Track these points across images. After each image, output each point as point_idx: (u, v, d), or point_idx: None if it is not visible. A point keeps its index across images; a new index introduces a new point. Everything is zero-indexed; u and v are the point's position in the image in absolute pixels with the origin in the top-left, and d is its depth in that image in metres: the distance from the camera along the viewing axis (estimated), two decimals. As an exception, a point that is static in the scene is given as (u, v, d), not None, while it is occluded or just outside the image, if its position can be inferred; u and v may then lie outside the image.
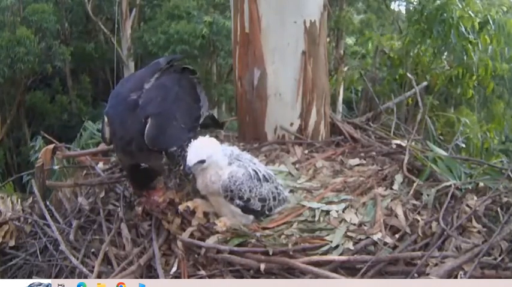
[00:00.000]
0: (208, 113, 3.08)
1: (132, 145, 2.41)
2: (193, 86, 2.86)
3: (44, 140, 5.62)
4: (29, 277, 2.72)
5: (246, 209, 2.41)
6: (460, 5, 5.77)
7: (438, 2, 5.84)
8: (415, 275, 2.07)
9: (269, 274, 2.19)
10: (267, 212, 2.49)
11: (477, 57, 6.01)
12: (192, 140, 2.43)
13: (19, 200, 3.29)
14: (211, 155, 2.30)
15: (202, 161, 2.28)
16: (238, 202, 2.38)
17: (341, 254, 2.24)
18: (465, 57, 5.89)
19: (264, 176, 2.45)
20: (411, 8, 6.60)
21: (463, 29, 5.69)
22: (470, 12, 5.77)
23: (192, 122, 2.73)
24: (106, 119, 2.52)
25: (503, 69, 6.33)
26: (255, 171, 2.42)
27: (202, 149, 2.29)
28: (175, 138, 2.53)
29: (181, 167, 2.63)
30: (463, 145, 5.06)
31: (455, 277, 2.05)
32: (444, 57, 6.35)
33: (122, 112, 2.48)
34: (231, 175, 2.35)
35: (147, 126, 2.40)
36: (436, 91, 6.47)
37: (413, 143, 3.27)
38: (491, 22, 5.92)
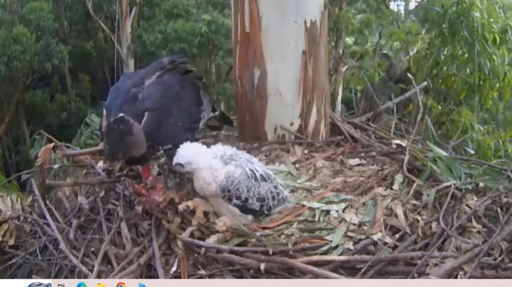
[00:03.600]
0: (216, 112, 3.09)
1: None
2: (197, 90, 2.87)
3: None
4: (29, 276, 2.72)
5: (244, 209, 2.40)
6: (483, 15, 5.77)
7: (462, 5, 5.83)
8: (415, 275, 2.08)
9: (269, 273, 2.20)
10: (266, 212, 2.49)
11: (499, 65, 6.02)
12: (189, 140, 2.45)
13: (19, 199, 3.28)
14: (191, 161, 2.33)
15: (181, 165, 2.34)
16: (236, 201, 2.37)
17: (341, 254, 2.25)
18: (488, 65, 5.90)
19: (261, 175, 2.44)
20: (433, 11, 6.58)
21: (485, 41, 5.70)
22: (493, 24, 5.78)
23: (190, 122, 2.73)
24: (105, 112, 2.53)
25: None
26: (252, 171, 2.41)
27: (182, 153, 2.34)
28: (170, 136, 2.54)
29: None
30: (472, 151, 5.06)
31: (455, 277, 2.05)
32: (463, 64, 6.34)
33: (120, 104, 2.50)
34: (228, 175, 2.35)
35: (143, 120, 2.41)
36: (455, 98, 6.48)
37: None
38: (510, 32, 5.93)
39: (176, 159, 2.36)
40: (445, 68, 6.38)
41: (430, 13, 6.71)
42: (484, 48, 5.72)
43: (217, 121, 3.24)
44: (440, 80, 6.40)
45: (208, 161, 2.37)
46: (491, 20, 5.86)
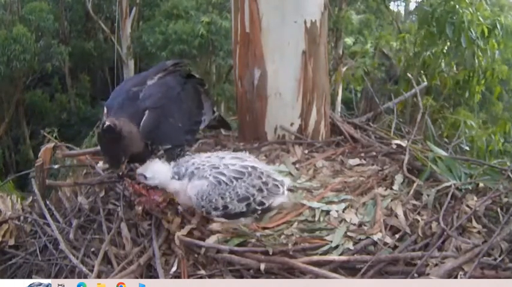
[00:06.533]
0: (215, 114, 3.12)
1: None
2: (198, 93, 2.89)
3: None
4: (29, 276, 2.72)
5: (229, 216, 2.36)
6: (470, 10, 5.79)
7: (451, 3, 5.85)
8: (415, 275, 2.08)
9: (269, 274, 2.19)
10: (258, 207, 2.40)
11: (485, 61, 6.05)
12: (189, 142, 2.55)
13: (19, 199, 3.28)
14: (154, 177, 2.39)
15: (144, 176, 2.39)
16: (215, 213, 2.34)
17: (341, 254, 2.24)
18: (476, 62, 5.92)
19: (232, 176, 2.34)
20: (420, 10, 6.63)
21: (473, 34, 5.72)
22: (480, 17, 5.80)
23: (190, 124, 2.74)
24: (105, 110, 2.55)
25: (502, 71, 6.37)
26: (216, 177, 2.33)
27: (150, 167, 2.40)
28: (170, 136, 2.55)
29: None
30: (467, 148, 5.07)
31: (455, 277, 2.06)
32: (450, 60, 6.37)
33: (121, 102, 2.52)
34: (197, 192, 2.32)
35: (143, 119, 2.42)
36: (445, 94, 6.50)
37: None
38: (499, 27, 5.95)
39: (142, 170, 2.41)
40: (433, 66, 6.41)
41: (419, 12, 6.75)
42: (470, 43, 5.73)
43: (215, 122, 3.26)
44: (429, 77, 6.43)
45: (167, 180, 2.39)
46: (478, 13, 5.89)
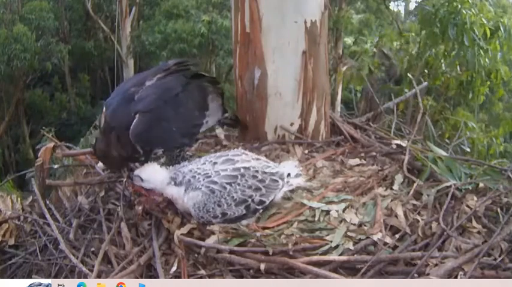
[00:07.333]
0: (226, 114, 3.12)
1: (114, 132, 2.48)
2: (204, 94, 2.83)
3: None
4: (29, 275, 2.72)
5: (229, 221, 2.37)
6: (473, 11, 5.80)
7: (454, 4, 5.86)
8: (415, 275, 2.08)
9: (269, 274, 2.19)
10: (259, 207, 2.42)
11: (489, 62, 6.06)
12: (186, 145, 2.58)
13: (19, 198, 3.28)
14: (149, 180, 2.42)
15: (140, 178, 2.42)
16: (215, 220, 2.35)
17: (341, 254, 2.24)
18: (478, 62, 5.92)
19: (224, 183, 2.34)
20: (422, 11, 6.64)
21: (475, 35, 5.73)
22: (483, 19, 5.80)
23: (188, 127, 2.70)
24: (104, 108, 2.57)
25: (505, 73, 6.38)
26: (208, 186, 2.34)
27: (146, 169, 2.44)
28: (162, 139, 2.54)
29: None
30: (468, 149, 5.08)
31: (455, 277, 2.06)
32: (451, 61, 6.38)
33: (117, 102, 2.53)
34: (193, 203, 2.34)
35: (134, 121, 2.41)
36: (446, 95, 6.51)
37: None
38: (502, 29, 5.95)
39: (138, 171, 2.43)
40: (436, 66, 6.42)
41: (421, 12, 6.75)
42: (472, 43, 5.74)
43: (230, 121, 3.28)
44: (431, 78, 6.44)
45: (163, 186, 2.41)
46: (481, 15, 5.90)
